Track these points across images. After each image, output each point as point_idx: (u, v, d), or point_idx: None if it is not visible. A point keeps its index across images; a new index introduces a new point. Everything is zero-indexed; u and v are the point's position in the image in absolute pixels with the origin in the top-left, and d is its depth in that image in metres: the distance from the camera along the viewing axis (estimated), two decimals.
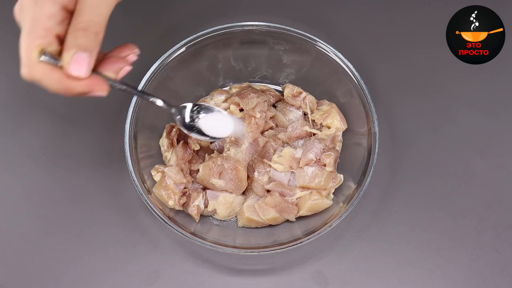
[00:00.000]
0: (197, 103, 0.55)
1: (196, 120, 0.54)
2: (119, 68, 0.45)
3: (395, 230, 0.64)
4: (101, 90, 0.43)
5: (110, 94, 0.47)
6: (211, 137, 0.55)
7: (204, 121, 0.54)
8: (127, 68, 0.46)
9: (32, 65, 0.41)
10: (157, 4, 0.76)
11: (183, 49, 0.63)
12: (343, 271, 0.62)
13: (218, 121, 0.55)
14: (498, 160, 0.68)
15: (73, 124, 0.69)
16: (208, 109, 0.54)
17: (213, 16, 0.73)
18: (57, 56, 0.41)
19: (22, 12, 0.41)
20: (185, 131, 0.54)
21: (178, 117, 0.53)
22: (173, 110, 0.53)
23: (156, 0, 0.76)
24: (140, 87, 0.60)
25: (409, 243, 0.63)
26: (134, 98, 0.60)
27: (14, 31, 0.71)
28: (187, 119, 0.53)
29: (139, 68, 0.65)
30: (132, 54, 0.47)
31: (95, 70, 0.43)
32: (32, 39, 0.41)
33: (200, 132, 0.54)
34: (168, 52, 0.62)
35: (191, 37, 0.63)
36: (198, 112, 0.54)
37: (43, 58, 0.41)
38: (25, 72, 0.41)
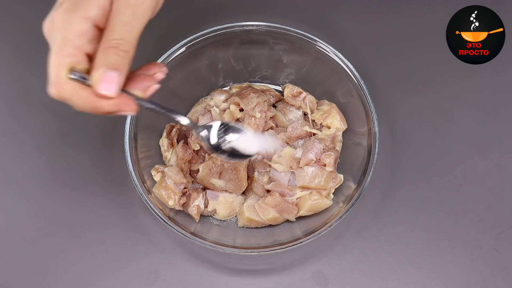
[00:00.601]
0: (224, 122, 0.53)
1: (222, 140, 0.52)
2: (147, 86, 0.44)
3: (395, 230, 0.64)
4: (129, 109, 0.42)
5: None
6: (239, 157, 0.53)
7: (233, 143, 0.52)
8: (155, 86, 0.45)
9: (60, 83, 0.40)
10: None
11: (183, 49, 0.63)
12: (343, 271, 0.62)
13: (246, 141, 0.53)
14: (498, 160, 0.68)
15: (73, 124, 0.69)
16: (234, 129, 0.52)
17: (213, 16, 0.73)
18: (86, 74, 0.40)
19: (52, 31, 0.40)
20: (213, 153, 0.53)
21: (204, 136, 0.52)
22: (199, 130, 0.52)
23: None
24: None
25: (409, 243, 0.63)
26: None
27: (14, 32, 0.72)
28: (213, 140, 0.52)
29: None
30: (160, 72, 0.46)
31: (123, 88, 0.42)
32: (61, 57, 0.39)
33: (229, 152, 0.52)
34: (168, 52, 0.62)
35: (191, 37, 0.63)
36: (225, 132, 0.52)
37: (72, 76, 0.39)
38: (54, 90, 0.40)
